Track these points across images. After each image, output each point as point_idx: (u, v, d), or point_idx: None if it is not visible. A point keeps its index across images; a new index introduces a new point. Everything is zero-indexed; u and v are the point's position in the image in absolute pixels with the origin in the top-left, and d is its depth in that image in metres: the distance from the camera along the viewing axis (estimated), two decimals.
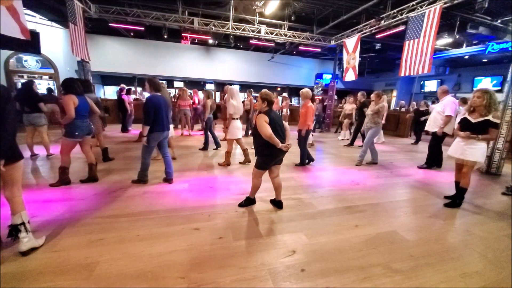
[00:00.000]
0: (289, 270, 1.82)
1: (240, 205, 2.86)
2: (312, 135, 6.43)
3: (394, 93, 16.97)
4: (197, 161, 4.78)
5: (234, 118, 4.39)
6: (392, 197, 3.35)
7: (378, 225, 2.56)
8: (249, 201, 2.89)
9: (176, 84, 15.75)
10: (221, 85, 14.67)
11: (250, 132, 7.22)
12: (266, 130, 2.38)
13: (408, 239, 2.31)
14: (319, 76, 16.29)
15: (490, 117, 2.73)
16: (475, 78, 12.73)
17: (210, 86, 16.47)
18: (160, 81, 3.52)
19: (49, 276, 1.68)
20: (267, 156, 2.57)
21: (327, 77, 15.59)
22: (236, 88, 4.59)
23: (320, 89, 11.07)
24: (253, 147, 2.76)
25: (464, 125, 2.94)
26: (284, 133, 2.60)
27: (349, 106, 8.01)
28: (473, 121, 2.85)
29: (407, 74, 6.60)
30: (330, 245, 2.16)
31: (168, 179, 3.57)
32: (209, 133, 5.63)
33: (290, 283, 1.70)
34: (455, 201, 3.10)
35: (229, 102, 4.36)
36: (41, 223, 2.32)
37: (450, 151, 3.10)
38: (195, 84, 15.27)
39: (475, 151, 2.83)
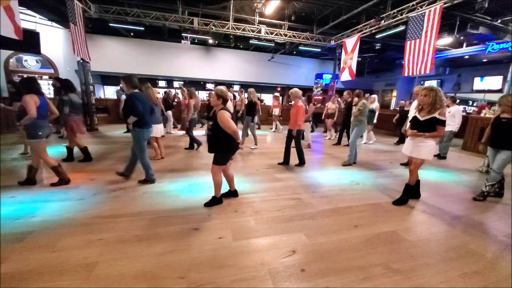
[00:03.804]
0: (289, 270, 1.82)
1: (206, 204, 2.77)
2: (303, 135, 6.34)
3: (394, 93, 16.95)
4: (197, 161, 4.78)
5: None
6: (392, 197, 3.34)
7: (378, 225, 2.56)
8: (215, 201, 2.81)
9: (176, 84, 15.76)
10: (221, 85, 14.65)
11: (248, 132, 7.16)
12: (232, 125, 2.49)
13: (408, 239, 2.30)
14: (319, 76, 16.27)
15: (436, 115, 2.74)
16: (475, 78, 12.73)
17: (209, 86, 16.48)
18: (160, 81, 3.50)
19: (49, 276, 1.68)
20: (228, 151, 2.64)
21: (327, 77, 15.58)
22: (222, 88, 4.46)
23: (319, 88, 11.09)
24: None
25: (414, 123, 2.95)
26: None
27: (332, 105, 7.84)
28: (421, 119, 2.86)
29: (410, 74, 6.58)
30: (330, 245, 2.16)
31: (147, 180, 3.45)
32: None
33: (290, 283, 1.70)
34: (402, 198, 3.13)
35: None
36: (41, 223, 2.32)
37: (403, 149, 3.15)
38: (195, 84, 15.26)
39: (421, 148, 2.86)
